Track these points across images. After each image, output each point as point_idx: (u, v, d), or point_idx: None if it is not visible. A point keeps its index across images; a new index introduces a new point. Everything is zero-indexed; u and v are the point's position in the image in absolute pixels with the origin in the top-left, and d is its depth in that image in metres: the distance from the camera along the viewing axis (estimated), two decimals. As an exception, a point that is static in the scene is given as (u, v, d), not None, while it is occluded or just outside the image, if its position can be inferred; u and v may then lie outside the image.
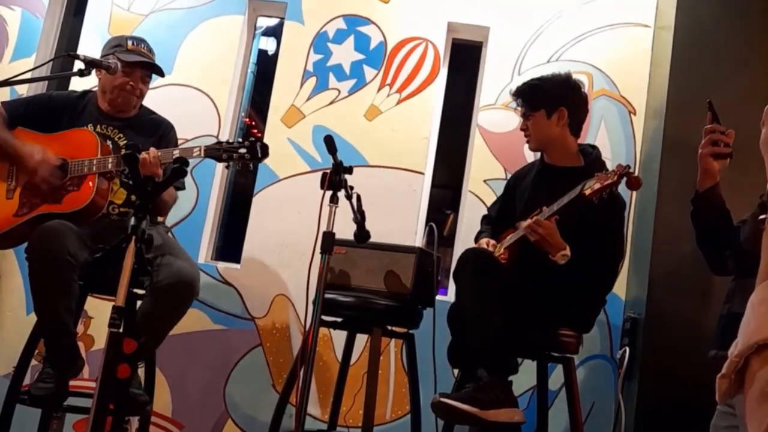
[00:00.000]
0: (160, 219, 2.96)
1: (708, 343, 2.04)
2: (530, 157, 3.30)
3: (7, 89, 3.48)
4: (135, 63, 2.81)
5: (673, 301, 2.91)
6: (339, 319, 2.76)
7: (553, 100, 2.66)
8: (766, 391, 0.71)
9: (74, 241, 2.46)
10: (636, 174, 2.37)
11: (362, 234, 2.39)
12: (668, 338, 2.88)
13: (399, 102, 3.54)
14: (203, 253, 3.52)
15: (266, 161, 3.41)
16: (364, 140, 3.50)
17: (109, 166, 2.60)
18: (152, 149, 2.59)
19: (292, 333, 3.39)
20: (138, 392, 2.57)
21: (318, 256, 2.25)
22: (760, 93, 2.95)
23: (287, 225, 3.44)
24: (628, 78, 3.46)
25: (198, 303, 3.33)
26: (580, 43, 3.51)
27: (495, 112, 3.50)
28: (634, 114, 3.44)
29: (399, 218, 3.41)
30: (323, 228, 2.25)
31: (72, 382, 2.55)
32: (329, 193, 2.29)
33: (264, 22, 4.03)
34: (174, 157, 2.59)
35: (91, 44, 3.61)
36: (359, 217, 2.37)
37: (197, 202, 3.51)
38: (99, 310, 3.33)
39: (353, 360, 3.08)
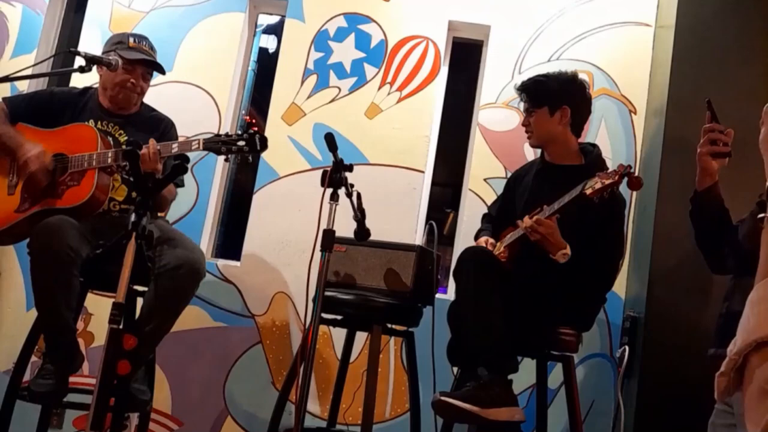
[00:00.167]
0: (160, 214, 2.96)
1: (708, 341, 2.04)
2: (530, 155, 3.30)
3: (7, 85, 3.48)
4: (136, 60, 2.81)
5: (673, 299, 2.92)
6: (339, 317, 2.76)
7: (557, 98, 2.66)
8: (765, 388, 0.71)
9: (75, 236, 2.46)
10: (636, 173, 2.37)
11: (362, 232, 2.39)
12: (668, 337, 2.88)
13: (399, 100, 3.54)
14: (203, 251, 3.51)
15: (266, 159, 3.44)
16: (364, 138, 3.50)
17: (109, 160, 2.60)
18: (152, 141, 2.58)
19: (291, 330, 3.39)
20: (141, 388, 2.56)
21: (318, 254, 2.25)
22: (760, 92, 2.96)
23: (287, 222, 3.44)
24: (629, 77, 3.46)
25: (198, 300, 3.33)
26: (580, 42, 3.51)
27: (495, 111, 3.50)
28: (635, 113, 3.44)
29: (399, 216, 3.41)
30: (323, 226, 2.25)
31: (72, 379, 2.56)
32: (329, 190, 2.29)
33: (265, 20, 4.03)
34: (173, 150, 2.59)
35: (91, 41, 3.62)
36: (359, 215, 2.38)
37: (197, 200, 3.52)
38: (99, 307, 3.34)
39: (353, 358, 3.08)
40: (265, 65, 4.16)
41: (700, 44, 3.13)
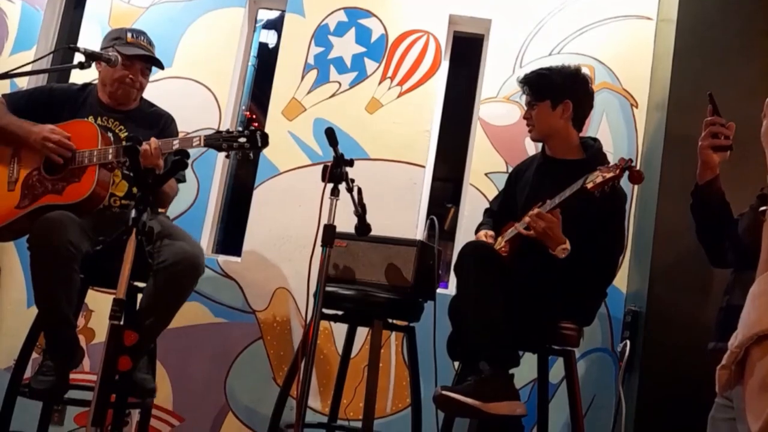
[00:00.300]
0: (161, 211, 2.96)
1: (709, 336, 2.04)
2: (531, 149, 3.29)
3: (7, 82, 3.47)
4: (134, 56, 2.81)
5: (675, 294, 2.91)
6: (340, 312, 2.76)
7: (559, 91, 2.65)
8: (766, 382, 0.71)
9: (76, 232, 2.46)
10: (638, 168, 2.36)
11: (363, 227, 2.39)
12: (669, 331, 2.88)
13: (400, 95, 3.54)
14: (204, 247, 3.51)
15: (267, 154, 3.44)
16: (365, 133, 3.50)
17: (110, 156, 2.60)
18: (153, 139, 2.59)
19: (292, 326, 3.39)
20: (146, 377, 2.56)
21: (319, 249, 2.25)
22: (762, 86, 2.94)
23: (288, 218, 3.44)
24: (631, 71, 3.45)
25: (199, 296, 3.33)
26: (582, 36, 3.50)
27: (496, 105, 3.50)
28: (636, 107, 3.43)
29: (400, 211, 3.40)
30: (324, 221, 2.24)
31: (73, 375, 2.56)
32: (330, 186, 2.29)
33: (264, 15, 4.02)
34: (174, 147, 2.59)
35: (91, 37, 3.61)
36: (360, 210, 2.37)
37: (198, 196, 3.51)
38: (99, 303, 3.34)
39: (354, 353, 3.08)
40: (265, 60, 4.15)
41: (702, 38, 3.12)
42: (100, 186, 2.61)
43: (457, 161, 3.73)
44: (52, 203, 2.59)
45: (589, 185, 2.33)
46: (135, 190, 2.67)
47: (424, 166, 3.49)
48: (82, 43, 3.49)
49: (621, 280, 3.22)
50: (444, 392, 2.30)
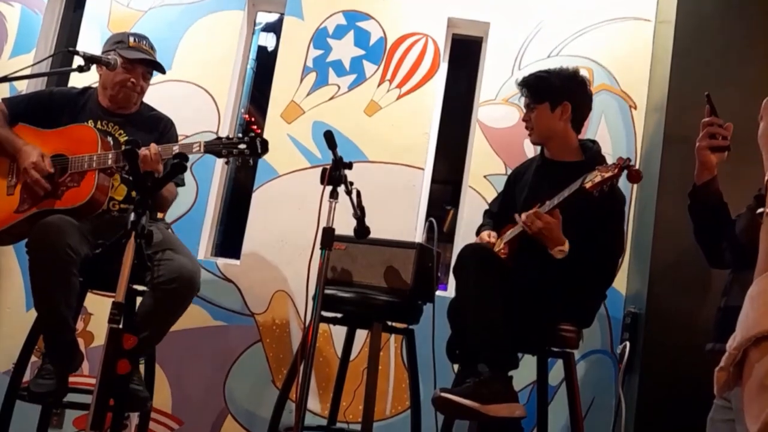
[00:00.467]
0: (159, 215, 2.96)
1: (708, 337, 2.03)
2: (530, 152, 3.29)
3: (6, 85, 3.47)
4: (136, 60, 2.81)
5: (674, 295, 2.91)
6: (339, 315, 2.76)
7: (558, 93, 2.65)
8: (765, 383, 0.71)
9: (75, 236, 2.46)
10: (636, 167, 2.36)
11: (362, 229, 2.39)
12: (669, 333, 2.88)
13: (399, 97, 3.54)
14: (203, 250, 3.52)
15: (266, 157, 3.41)
16: (363, 136, 3.50)
17: (110, 161, 2.60)
18: (152, 145, 2.59)
19: (291, 329, 3.39)
20: (138, 388, 2.57)
21: (318, 252, 2.25)
22: (760, 87, 2.95)
23: (287, 221, 3.44)
24: (629, 72, 3.46)
25: (198, 299, 3.32)
26: (580, 38, 3.51)
27: (495, 108, 3.50)
28: (635, 109, 3.43)
29: (399, 214, 3.40)
30: (323, 224, 2.24)
31: (72, 379, 2.56)
32: (329, 188, 2.29)
33: (263, 18, 4.02)
34: (174, 152, 2.59)
35: (90, 40, 3.61)
36: (359, 212, 2.37)
37: (197, 199, 3.51)
38: (99, 307, 3.33)
39: (353, 356, 3.08)
40: (264, 63, 4.15)
41: (700, 39, 3.12)
42: (100, 190, 2.61)
43: (456, 163, 3.74)
44: (51, 208, 2.59)
45: (588, 185, 2.32)
46: (134, 194, 2.68)
47: (423, 169, 3.49)
48: (81, 47, 3.50)
49: (620, 282, 3.22)
50: (443, 394, 2.30)
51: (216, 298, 3.41)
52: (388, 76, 3.56)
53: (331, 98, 3.56)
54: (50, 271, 2.43)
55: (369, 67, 3.57)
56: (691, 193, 2.19)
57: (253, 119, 4.61)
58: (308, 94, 3.57)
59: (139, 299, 2.59)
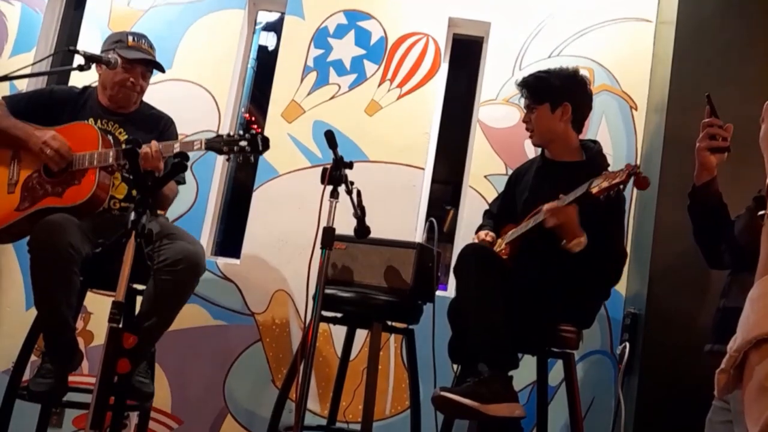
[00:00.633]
0: (160, 212, 2.95)
1: (708, 338, 2.04)
2: (531, 152, 3.29)
3: (6, 84, 3.47)
4: (136, 59, 2.81)
5: (674, 296, 2.91)
6: (339, 315, 2.76)
7: (558, 94, 2.64)
8: (765, 385, 0.71)
9: (77, 234, 2.46)
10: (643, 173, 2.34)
11: (362, 229, 2.39)
12: (668, 334, 2.88)
13: (399, 97, 3.54)
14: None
15: (266, 156, 3.43)
16: (364, 135, 3.50)
17: (110, 159, 2.59)
18: (153, 142, 2.59)
19: (291, 328, 3.39)
20: (144, 381, 2.56)
21: (318, 252, 2.25)
22: (761, 88, 2.94)
23: (287, 220, 3.44)
24: (630, 73, 3.45)
25: (198, 298, 3.33)
26: (581, 38, 3.51)
27: (496, 108, 3.50)
28: (636, 109, 3.43)
29: (399, 214, 3.40)
30: (323, 223, 2.24)
31: (71, 378, 2.56)
32: (329, 188, 2.28)
33: (264, 17, 4.02)
34: (175, 150, 2.59)
35: (91, 39, 3.61)
36: (359, 212, 2.37)
37: (197, 198, 3.51)
38: (98, 306, 3.33)
39: (353, 355, 3.08)
40: (265, 62, 4.15)
41: (701, 40, 3.12)
42: (100, 189, 2.61)
43: (457, 163, 3.74)
44: (51, 206, 2.59)
45: (594, 190, 2.31)
46: (134, 192, 2.68)
47: (423, 169, 3.49)
48: (81, 46, 3.50)
49: (620, 283, 3.19)
50: (443, 393, 2.30)
51: (216, 297, 3.41)
52: (389, 76, 3.56)
53: (332, 98, 3.56)
54: (52, 269, 2.42)
55: (370, 67, 3.57)
56: (691, 194, 2.19)
57: (253, 118, 4.61)
58: (309, 94, 3.57)
59: (139, 299, 2.58)
